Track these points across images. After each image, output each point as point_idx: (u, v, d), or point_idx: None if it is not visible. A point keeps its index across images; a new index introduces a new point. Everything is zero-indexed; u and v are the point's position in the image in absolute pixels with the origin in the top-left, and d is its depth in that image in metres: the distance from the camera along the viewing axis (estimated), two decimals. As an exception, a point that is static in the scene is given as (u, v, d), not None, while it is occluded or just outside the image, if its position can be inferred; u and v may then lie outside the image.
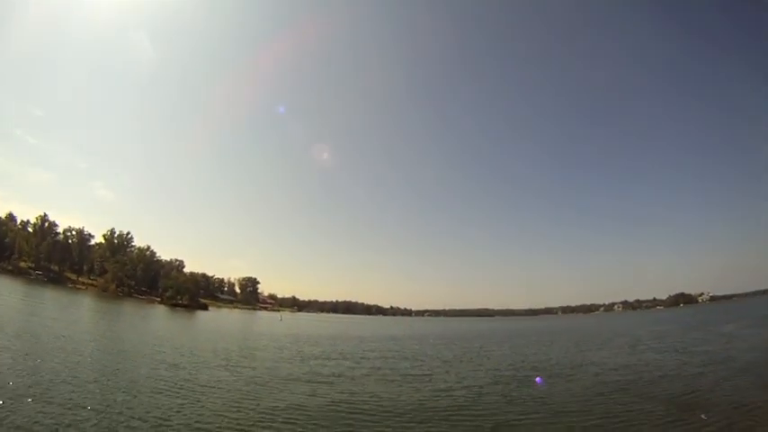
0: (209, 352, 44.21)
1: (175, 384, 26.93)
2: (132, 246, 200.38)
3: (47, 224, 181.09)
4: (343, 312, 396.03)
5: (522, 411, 23.77)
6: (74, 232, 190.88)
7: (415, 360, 46.91)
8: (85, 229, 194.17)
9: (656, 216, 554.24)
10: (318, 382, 30.76)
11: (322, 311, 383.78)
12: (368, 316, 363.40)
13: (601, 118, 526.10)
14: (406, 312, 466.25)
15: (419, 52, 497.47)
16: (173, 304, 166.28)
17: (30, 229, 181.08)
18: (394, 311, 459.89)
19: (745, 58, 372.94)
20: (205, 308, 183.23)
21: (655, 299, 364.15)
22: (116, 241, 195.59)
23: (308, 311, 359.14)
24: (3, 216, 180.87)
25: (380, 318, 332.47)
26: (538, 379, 33.27)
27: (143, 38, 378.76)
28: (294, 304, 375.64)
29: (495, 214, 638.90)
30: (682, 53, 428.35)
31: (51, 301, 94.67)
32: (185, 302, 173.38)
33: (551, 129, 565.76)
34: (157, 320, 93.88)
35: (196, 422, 19.78)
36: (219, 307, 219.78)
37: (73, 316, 71.07)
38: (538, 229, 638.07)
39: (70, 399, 21.29)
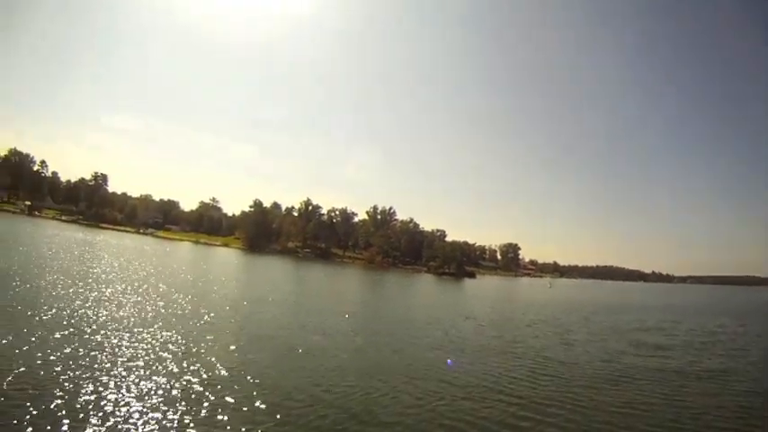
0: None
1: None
2: (395, 220, 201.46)
3: (310, 207, 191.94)
4: (603, 278, 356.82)
5: None
6: (337, 212, 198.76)
7: None
8: (348, 208, 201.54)
9: None
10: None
11: (582, 277, 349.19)
12: (629, 282, 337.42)
13: None
14: (668, 278, 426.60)
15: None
16: (439, 273, 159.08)
17: (295, 214, 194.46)
18: (656, 277, 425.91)
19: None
20: (472, 275, 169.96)
21: None
22: (379, 216, 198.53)
23: (569, 277, 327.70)
24: (268, 205, 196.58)
25: (645, 284, 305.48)
26: None
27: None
28: (556, 270, 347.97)
29: None
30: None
31: (324, 272, 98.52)
32: (452, 270, 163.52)
33: None
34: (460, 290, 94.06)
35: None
36: (483, 274, 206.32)
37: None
38: None
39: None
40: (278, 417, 12.44)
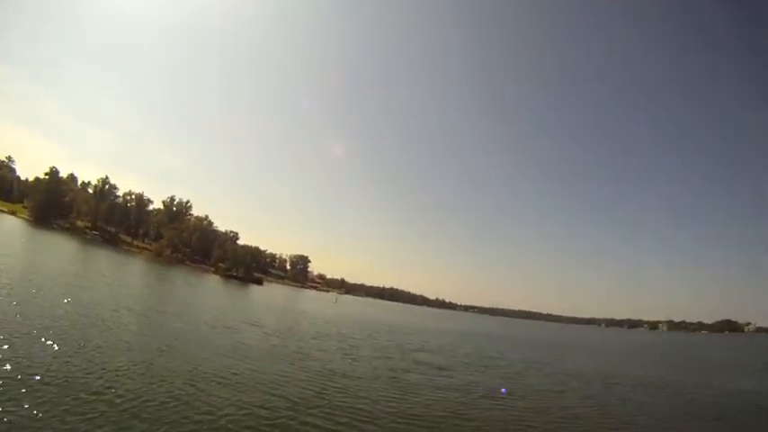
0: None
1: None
2: (190, 214, 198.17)
3: (107, 186, 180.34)
4: (389, 299, 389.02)
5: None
6: (133, 196, 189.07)
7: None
8: (146, 195, 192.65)
9: (708, 236, 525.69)
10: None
11: (368, 296, 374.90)
12: (413, 305, 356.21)
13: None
14: (451, 306, 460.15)
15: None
16: (227, 275, 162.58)
17: (90, 190, 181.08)
18: (439, 304, 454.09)
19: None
20: (260, 282, 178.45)
21: (700, 322, 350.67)
22: (175, 208, 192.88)
23: (355, 295, 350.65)
24: (64, 176, 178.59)
25: (429, 309, 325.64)
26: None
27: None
28: (342, 286, 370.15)
29: (542, 220, 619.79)
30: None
31: (105, 260, 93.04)
32: (240, 275, 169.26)
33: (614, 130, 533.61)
34: (223, 293, 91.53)
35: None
36: (270, 282, 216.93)
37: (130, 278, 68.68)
38: (585, 236, 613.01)
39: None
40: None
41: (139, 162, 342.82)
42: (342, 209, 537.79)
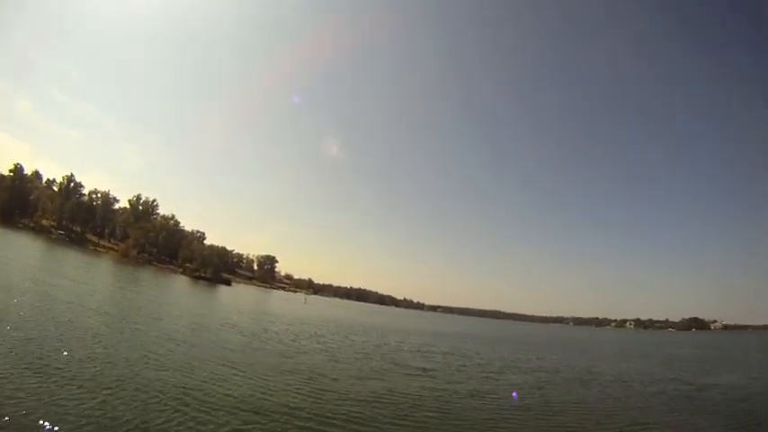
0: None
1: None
2: (157, 213, 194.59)
3: (72, 184, 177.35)
4: (357, 299, 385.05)
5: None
6: (99, 195, 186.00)
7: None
8: (111, 193, 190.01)
9: (678, 236, 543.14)
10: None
11: (336, 296, 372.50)
12: (381, 306, 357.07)
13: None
14: (419, 306, 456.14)
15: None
16: (195, 276, 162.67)
17: (55, 188, 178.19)
18: (407, 304, 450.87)
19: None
20: (228, 283, 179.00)
21: (667, 320, 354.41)
22: (141, 207, 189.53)
23: (323, 295, 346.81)
24: (29, 173, 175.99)
25: (397, 309, 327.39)
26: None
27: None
28: (310, 287, 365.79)
29: (508, 218, 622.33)
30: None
31: (72, 260, 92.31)
32: (208, 275, 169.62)
33: (576, 127, 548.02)
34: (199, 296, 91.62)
35: None
36: (238, 282, 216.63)
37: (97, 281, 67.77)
38: (552, 235, 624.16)
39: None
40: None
41: (105, 160, 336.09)
42: (309, 208, 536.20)
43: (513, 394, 27.09)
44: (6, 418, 12.73)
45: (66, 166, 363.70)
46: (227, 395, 19.10)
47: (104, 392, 16.41)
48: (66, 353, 20.72)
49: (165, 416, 15.35)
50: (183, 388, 18.94)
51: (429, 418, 20.28)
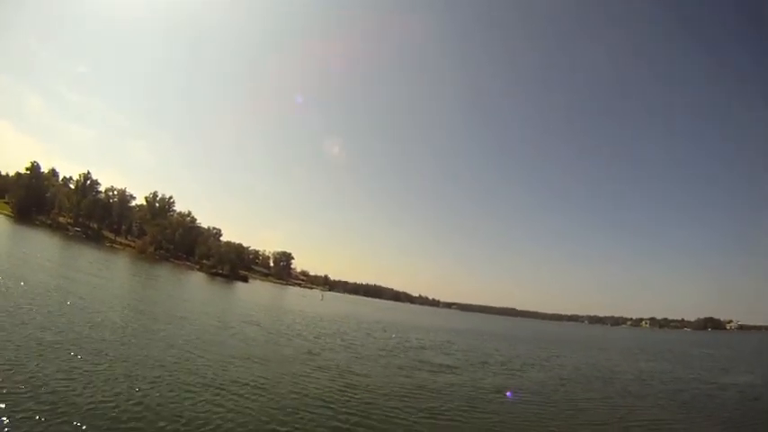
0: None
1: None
2: (173, 210, 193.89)
3: (89, 182, 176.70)
4: (372, 296, 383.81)
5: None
6: (115, 192, 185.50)
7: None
8: (127, 190, 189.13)
9: (681, 237, 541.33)
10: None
11: (351, 292, 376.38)
12: (396, 302, 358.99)
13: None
14: (434, 303, 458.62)
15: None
16: (212, 273, 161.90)
17: (71, 186, 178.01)
18: (422, 300, 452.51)
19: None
20: (245, 279, 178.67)
21: (683, 319, 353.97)
22: (157, 204, 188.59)
23: (338, 291, 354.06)
24: (45, 171, 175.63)
25: (413, 306, 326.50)
26: None
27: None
28: (326, 283, 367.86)
29: (517, 218, 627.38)
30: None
31: (90, 257, 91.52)
32: (225, 272, 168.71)
33: (584, 128, 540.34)
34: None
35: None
36: (255, 279, 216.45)
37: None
38: (560, 234, 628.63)
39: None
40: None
41: (117, 157, 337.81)
42: (321, 207, 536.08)
43: (508, 394, 26.68)
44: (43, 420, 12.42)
45: (82, 164, 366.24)
46: (262, 392, 19.27)
47: (140, 392, 16.21)
48: (97, 354, 20.26)
49: (204, 417, 15.14)
50: (219, 387, 18.79)
51: (460, 413, 20.70)
